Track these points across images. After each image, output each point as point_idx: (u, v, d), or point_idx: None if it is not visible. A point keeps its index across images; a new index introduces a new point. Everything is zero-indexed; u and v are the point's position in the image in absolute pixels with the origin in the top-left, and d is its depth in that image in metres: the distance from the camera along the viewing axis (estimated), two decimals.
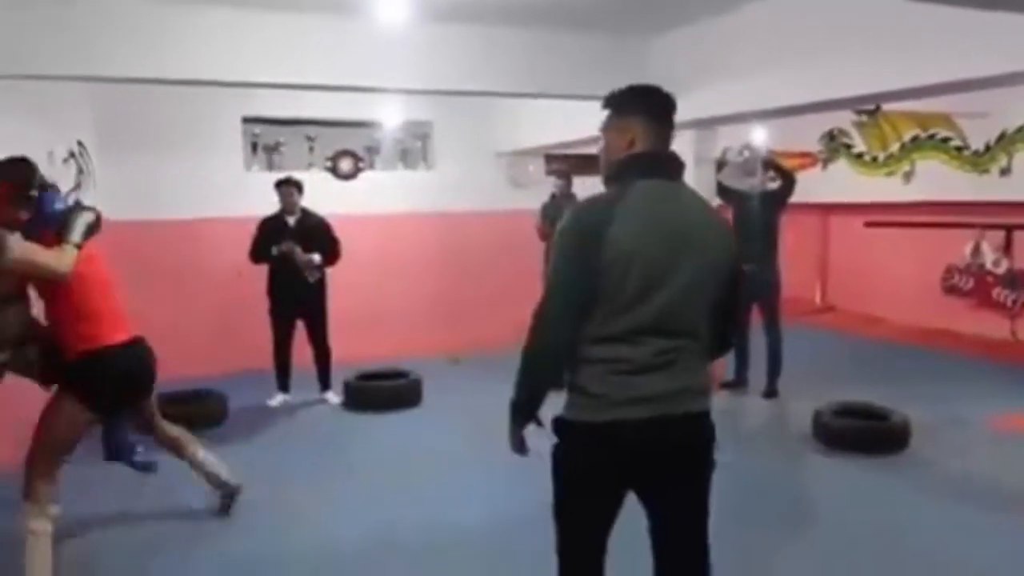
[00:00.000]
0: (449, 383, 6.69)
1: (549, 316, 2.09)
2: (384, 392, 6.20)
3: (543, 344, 2.11)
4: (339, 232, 6.31)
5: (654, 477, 2.18)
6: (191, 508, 4.16)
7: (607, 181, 2.21)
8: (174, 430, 3.96)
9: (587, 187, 9.11)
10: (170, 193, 7.08)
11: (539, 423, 2.22)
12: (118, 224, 6.35)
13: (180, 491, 4.25)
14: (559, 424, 2.18)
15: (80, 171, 6.13)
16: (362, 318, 7.46)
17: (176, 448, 3.96)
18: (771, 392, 6.27)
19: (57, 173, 5.63)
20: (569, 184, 7.63)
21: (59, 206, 3.32)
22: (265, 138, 7.65)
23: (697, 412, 2.18)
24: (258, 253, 6.04)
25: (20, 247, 3.04)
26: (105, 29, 4.61)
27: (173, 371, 6.57)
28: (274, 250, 5.99)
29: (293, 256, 5.97)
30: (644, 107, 2.18)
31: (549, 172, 8.36)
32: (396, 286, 8.00)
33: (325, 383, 6.37)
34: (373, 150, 8.16)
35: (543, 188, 7.90)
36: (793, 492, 4.47)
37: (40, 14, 4.47)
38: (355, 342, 6.94)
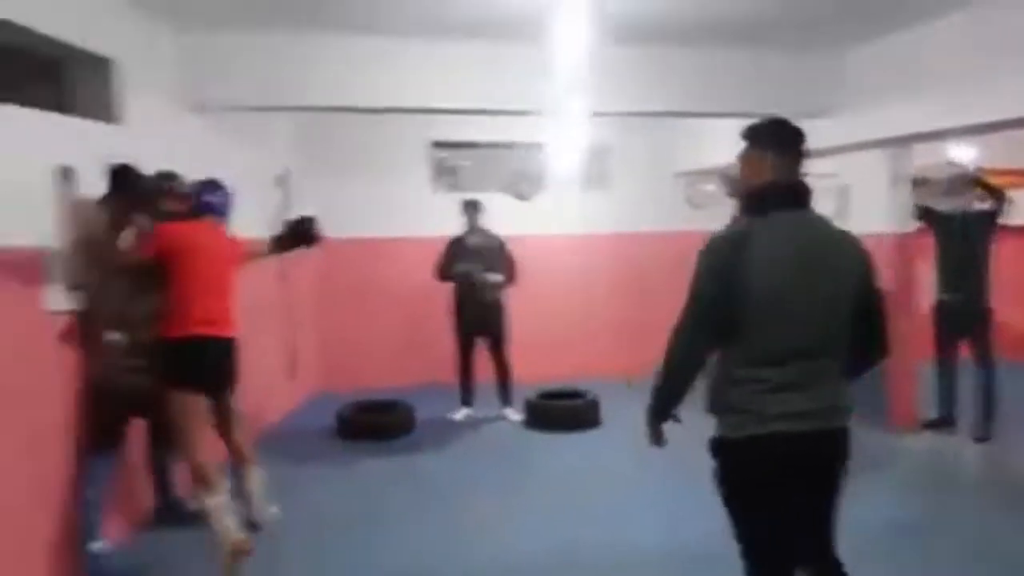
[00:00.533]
0: (627, 405, 6.55)
1: (685, 329, 2.30)
2: (563, 412, 6.23)
3: (678, 354, 2.32)
4: (519, 253, 6.45)
5: (803, 485, 2.37)
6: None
7: (744, 209, 2.42)
8: (242, 441, 3.92)
9: None
10: (362, 213, 7.53)
11: (677, 419, 2.45)
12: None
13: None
14: (719, 444, 2.37)
15: (287, 193, 6.66)
16: (542, 337, 7.56)
17: (236, 458, 3.91)
18: (984, 436, 5.61)
19: (267, 195, 6.18)
20: None
21: (211, 198, 3.83)
22: (450, 161, 7.97)
23: (842, 428, 2.38)
24: (444, 272, 6.29)
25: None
26: (306, 63, 5.03)
27: (363, 381, 7.13)
28: (455, 269, 6.22)
29: (471, 276, 6.15)
30: (776, 140, 2.36)
31: (728, 193, 8.05)
32: (575, 306, 8.04)
33: (506, 399, 6.50)
34: (552, 172, 8.24)
35: (722, 208, 7.60)
36: (1018, 554, 3.89)
37: (249, 53, 4.96)
38: (535, 361, 7.06)
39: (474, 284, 6.21)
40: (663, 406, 2.43)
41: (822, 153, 6.41)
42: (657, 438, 2.50)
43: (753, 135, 2.40)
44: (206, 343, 3.67)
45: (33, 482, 3.31)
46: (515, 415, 6.41)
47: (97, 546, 3.56)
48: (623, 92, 5.46)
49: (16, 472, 3.18)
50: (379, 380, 7.21)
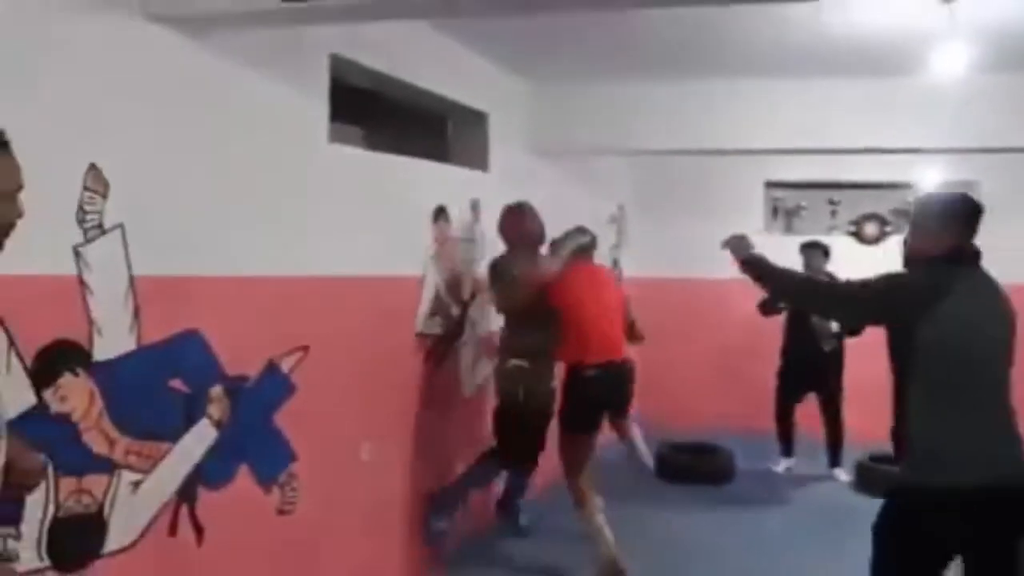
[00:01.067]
0: None
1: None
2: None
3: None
4: None
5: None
6: None
7: (925, 263, 2.52)
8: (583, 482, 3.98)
9: None
10: (693, 253, 7.52)
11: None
12: (648, 279, 7.13)
13: None
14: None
15: (619, 231, 6.94)
16: (879, 392, 6.87)
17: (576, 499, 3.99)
18: None
19: (602, 233, 6.47)
20: None
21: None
22: (786, 202, 7.69)
23: None
24: (768, 306, 5.83)
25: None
26: (643, 110, 5.21)
27: (677, 421, 7.08)
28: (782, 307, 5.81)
29: (813, 326, 5.78)
30: (963, 211, 2.53)
31: None
32: None
33: (835, 459, 6.01)
34: (903, 214, 7.54)
35: None
36: None
37: (590, 101, 5.26)
38: (868, 419, 6.43)
39: (813, 329, 5.81)
40: (767, 275, 2.68)
41: None
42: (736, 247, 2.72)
43: (937, 205, 2.71)
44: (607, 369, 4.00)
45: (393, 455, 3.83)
46: (844, 476, 5.90)
47: (440, 524, 3.99)
48: (995, 125, 4.83)
49: (386, 440, 3.70)
50: (692, 421, 7.10)
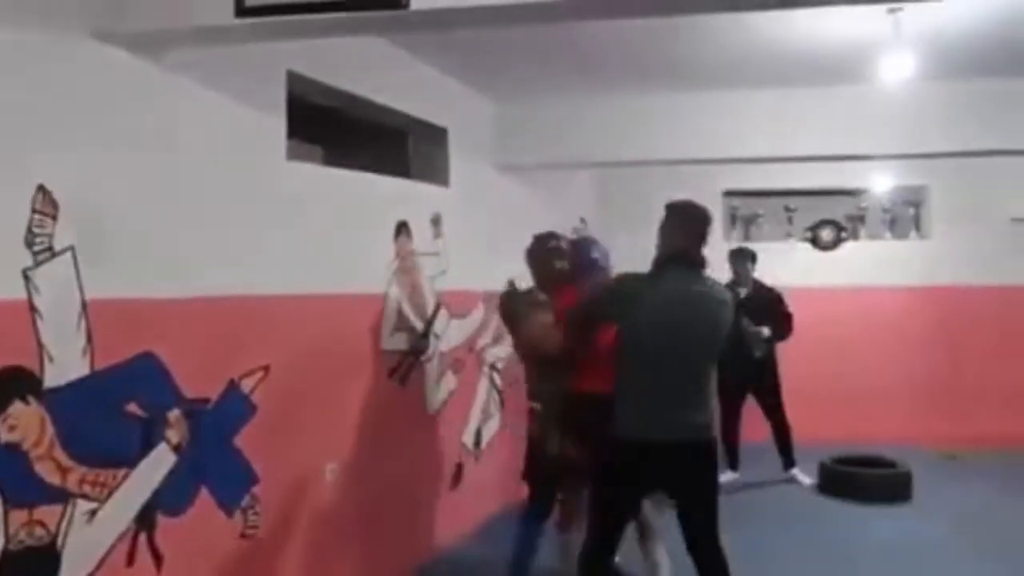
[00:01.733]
0: (944, 481, 5.84)
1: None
2: (871, 481, 5.65)
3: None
4: (818, 304, 6.04)
5: None
6: None
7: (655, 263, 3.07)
8: (647, 513, 3.54)
9: None
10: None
11: None
12: None
13: None
14: None
15: None
16: (837, 398, 7.00)
17: (641, 531, 3.58)
18: None
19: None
20: None
21: (597, 255, 3.75)
22: (743, 210, 7.78)
23: None
24: None
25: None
26: (603, 123, 5.26)
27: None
28: None
29: (742, 331, 5.77)
30: (691, 219, 3.07)
31: None
32: (877, 364, 7.30)
33: (789, 460, 6.05)
34: (857, 219, 7.71)
35: None
36: None
37: (550, 116, 5.29)
38: (827, 423, 6.55)
39: (742, 337, 5.71)
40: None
41: None
42: None
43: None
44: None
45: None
46: (806, 478, 5.94)
47: None
48: (943, 131, 4.96)
49: (350, 460, 3.64)
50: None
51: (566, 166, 5.93)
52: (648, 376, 2.92)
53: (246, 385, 3.00)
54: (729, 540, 4.66)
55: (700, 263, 3.02)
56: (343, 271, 3.58)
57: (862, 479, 5.64)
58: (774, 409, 6.03)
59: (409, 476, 4.14)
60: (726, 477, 6.08)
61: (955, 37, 3.99)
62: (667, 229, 3.09)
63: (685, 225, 3.06)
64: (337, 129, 4.14)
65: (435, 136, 4.65)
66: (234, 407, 2.96)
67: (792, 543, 4.78)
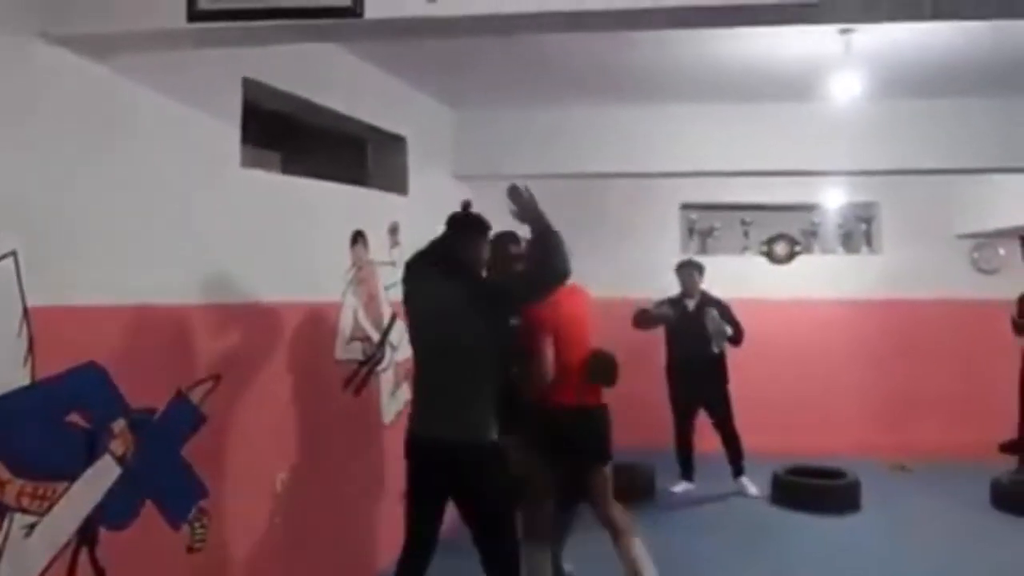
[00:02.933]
0: (892, 491, 5.97)
1: None
2: (819, 491, 5.74)
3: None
4: (772, 317, 6.14)
5: None
6: None
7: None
8: (616, 514, 3.69)
9: None
10: (612, 274, 7.64)
11: None
12: None
13: None
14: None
15: None
16: (790, 409, 7.11)
17: (613, 532, 3.68)
18: None
19: None
20: None
21: None
22: (700, 223, 7.88)
23: None
24: (646, 324, 5.98)
25: None
26: (562, 135, 5.31)
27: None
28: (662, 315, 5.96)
29: (707, 320, 5.87)
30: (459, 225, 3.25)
31: None
32: (829, 376, 7.43)
33: (738, 468, 6.14)
34: (811, 234, 7.86)
35: (1017, 274, 6.75)
36: None
37: (511, 126, 5.32)
38: (780, 434, 6.65)
39: (698, 339, 5.88)
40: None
41: None
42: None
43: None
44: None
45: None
46: (752, 487, 6.01)
47: None
48: (894, 149, 5.11)
49: (303, 471, 3.58)
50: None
51: (524, 177, 5.91)
52: (425, 371, 3.13)
53: (195, 395, 2.94)
54: (678, 549, 4.76)
55: (468, 265, 3.16)
56: (298, 280, 3.54)
57: (812, 490, 5.74)
58: (724, 420, 6.11)
59: (364, 487, 4.10)
60: (680, 487, 6.19)
61: (904, 59, 4.11)
62: (445, 234, 3.26)
63: (458, 231, 3.23)
64: (295, 136, 4.10)
65: (394, 144, 4.64)
66: (182, 417, 2.89)
67: (739, 552, 4.84)
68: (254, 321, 3.22)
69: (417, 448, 3.08)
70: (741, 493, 6.02)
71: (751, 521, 5.52)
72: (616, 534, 3.64)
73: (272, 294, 3.33)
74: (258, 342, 3.25)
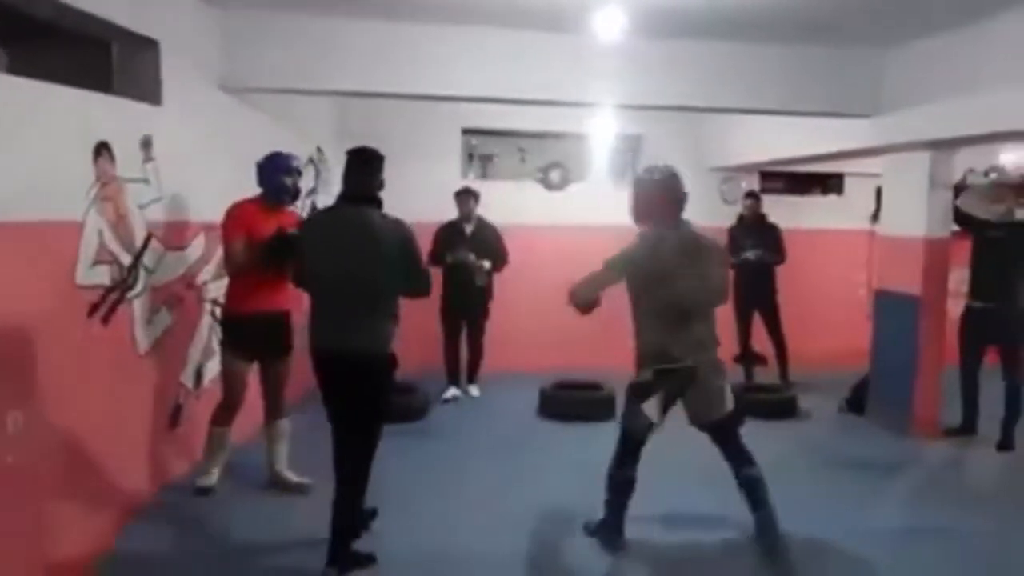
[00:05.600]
0: None
1: None
2: (578, 402, 6.25)
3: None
4: (547, 242, 6.46)
5: None
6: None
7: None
8: (277, 403, 4.45)
9: (803, 206, 8.67)
10: (396, 197, 7.54)
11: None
12: None
13: None
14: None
15: (318, 175, 6.75)
16: (560, 328, 7.53)
17: (267, 414, 4.48)
18: (1006, 444, 5.56)
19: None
20: (759, 204, 7.27)
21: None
22: (481, 149, 8.01)
23: None
24: (436, 258, 6.40)
25: None
26: (343, 49, 5.08)
27: None
28: (448, 257, 6.43)
29: (467, 263, 6.40)
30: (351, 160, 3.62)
31: (764, 189, 8.03)
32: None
33: (472, 377, 6.89)
34: (583, 163, 8.25)
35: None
36: None
37: (284, 36, 5.01)
38: (552, 352, 7.10)
39: (468, 270, 6.43)
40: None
41: (858, 153, 6.38)
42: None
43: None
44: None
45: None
46: (476, 391, 6.85)
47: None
48: (657, 85, 5.46)
49: (42, 408, 3.30)
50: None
51: (302, 91, 5.63)
52: (322, 296, 3.51)
53: None
54: (437, 453, 5.03)
55: (368, 199, 3.53)
56: (27, 196, 3.14)
57: (569, 401, 6.25)
58: (476, 335, 6.80)
59: (116, 420, 3.84)
60: (451, 393, 6.72)
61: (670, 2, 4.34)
62: (344, 170, 3.58)
63: (356, 166, 3.58)
64: (25, 34, 3.58)
65: (144, 48, 4.19)
66: None
67: (496, 460, 5.20)
68: None
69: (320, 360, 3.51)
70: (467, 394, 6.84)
71: (514, 432, 5.93)
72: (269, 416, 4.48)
73: None
74: None
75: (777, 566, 3.66)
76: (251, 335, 4.26)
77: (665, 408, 3.68)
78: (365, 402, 3.47)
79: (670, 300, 3.64)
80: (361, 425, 3.47)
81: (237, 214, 4.19)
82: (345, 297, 3.42)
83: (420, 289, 3.60)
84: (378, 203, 3.55)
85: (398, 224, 3.52)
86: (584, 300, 3.89)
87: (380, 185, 3.64)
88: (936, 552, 3.91)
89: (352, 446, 3.47)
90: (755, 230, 7.17)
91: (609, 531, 3.84)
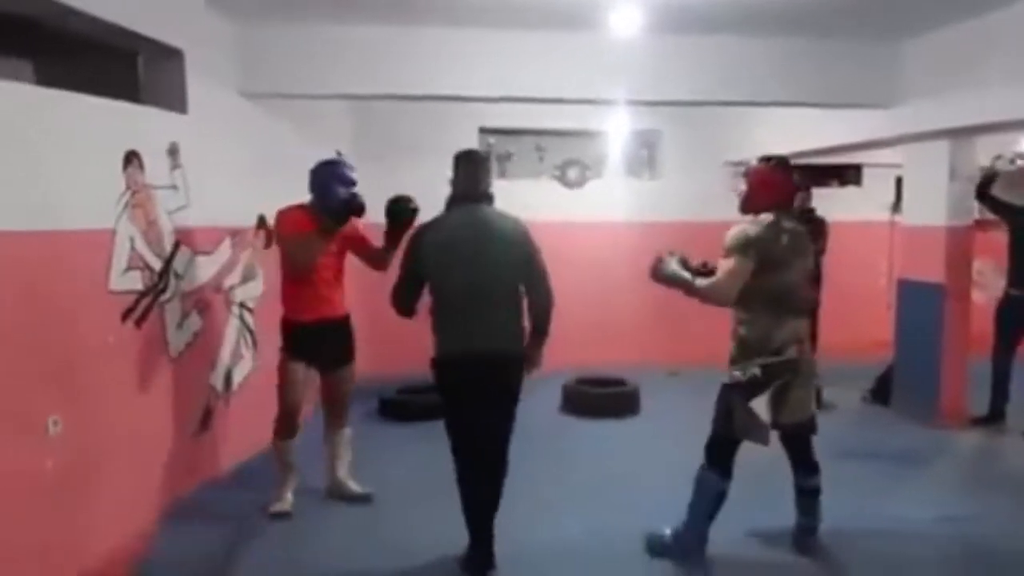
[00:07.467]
0: (668, 395, 6.61)
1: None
2: (602, 399, 6.26)
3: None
4: (566, 239, 6.47)
5: None
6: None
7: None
8: (341, 413, 4.32)
9: (821, 198, 8.63)
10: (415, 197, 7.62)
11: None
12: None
13: None
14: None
15: None
16: (582, 324, 7.59)
17: (329, 424, 4.34)
18: None
19: None
20: (808, 197, 7.22)
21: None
22: (498, 148, 8.03)
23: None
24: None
25: None
26: (358, 53, 5.14)
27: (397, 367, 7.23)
28: None
29: None
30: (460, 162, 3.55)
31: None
32: (618, 294, 8.02)
33: None
34: (601, 159, 8.27)
35: None
36: None
37: (303, 43, 5.08)
38: (574, 348, 7.10)
39: None
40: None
41: (876, 144, 6.36)
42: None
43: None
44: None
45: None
46: None
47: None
48: (674, 81, 5.46)
49: (79, 410, 3.37)
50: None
51: (320, 96, 5.70)
52: (458, 300, 3.38)
53: None
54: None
55: (483, 198, 3.48)
56: (61, 205, 3.22)
57: (592, 397, 6.26)
58: None
59: (149, 423, 3.92)
60: None
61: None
62: (453, 174, 3.54)
63: (468, 167, 3.51)
64: (52, 46, 3.66)
65: (169, 58, 4.27)
66: None
67: (526, 453, 5.20)
68: (11, 251, 2.90)
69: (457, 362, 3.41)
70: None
71: (542, 426, 5.89)
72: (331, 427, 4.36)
73: (31, 222, 3.01)
74: (17, 274, 2.93)
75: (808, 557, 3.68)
76: (313, 344, 4.06)
77: (775, 407, 3.41)
78: (510, 397, 3.49)
79: (784, 289, 3.49)
80: (506, 412, 3.50)
81: (292, 215, 4.02)
82: (484, 298, 3.36)
83: (543, 298, 3.53)
84: (490, 200, 3.53)
85: (516, 222, 3.53)
86: (725, 297, 3.73)
87: (491, 183, 3.63)
88: (964, 541, 3.90)
89: (500, 437, 3.51)
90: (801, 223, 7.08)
91: (689, 546, 3.62)
